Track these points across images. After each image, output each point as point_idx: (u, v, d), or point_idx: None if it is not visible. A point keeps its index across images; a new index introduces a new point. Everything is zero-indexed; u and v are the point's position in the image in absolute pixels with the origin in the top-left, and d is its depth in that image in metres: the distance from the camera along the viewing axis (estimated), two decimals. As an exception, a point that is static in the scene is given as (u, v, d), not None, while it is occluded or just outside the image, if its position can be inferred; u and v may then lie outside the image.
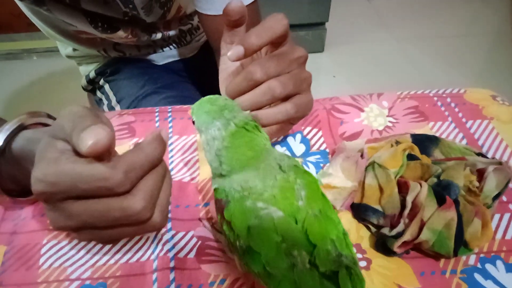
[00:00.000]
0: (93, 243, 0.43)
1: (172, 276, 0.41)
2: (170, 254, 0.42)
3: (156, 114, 0.57)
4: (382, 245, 0.42)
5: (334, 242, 0.32)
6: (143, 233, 0.36)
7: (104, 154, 0.31)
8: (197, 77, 0.93)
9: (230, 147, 0.35)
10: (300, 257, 0.31)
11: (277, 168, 0.35)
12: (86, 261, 0.42)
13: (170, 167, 0.51)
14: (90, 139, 0.29)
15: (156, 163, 0.33)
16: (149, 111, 0.58)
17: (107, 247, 0.43)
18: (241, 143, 0.35)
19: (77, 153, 0.31)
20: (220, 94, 0.61)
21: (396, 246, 0.40)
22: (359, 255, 0.42)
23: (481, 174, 0.45)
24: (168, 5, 0.77)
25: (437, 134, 0.54)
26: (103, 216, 0.31)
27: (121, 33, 0.75)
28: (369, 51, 2.05)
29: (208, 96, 0.39)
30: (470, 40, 2.12)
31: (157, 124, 0.56)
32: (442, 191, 0.41)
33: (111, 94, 0.88)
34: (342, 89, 1.82)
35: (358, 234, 0.44)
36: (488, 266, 0.42)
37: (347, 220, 0.45)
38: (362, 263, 0.42)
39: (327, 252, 0.31)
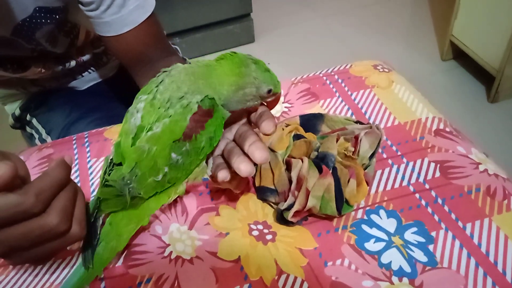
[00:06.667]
0: (28, 272, 0.47)
1: (103, 285, 0.45)
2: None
3: (74, 142, 0.61)
4: (281, 218, 0.48)
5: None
6: (68, 244, 0.41)
7: (16, 185, 0.36)
8: (122, 94, 0.96)
9: None
10: None
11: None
12: (24, 290, 0.46)
13: (91, 188, 0.55)
14: None
15: (64, 184, 0.40)
16: (66, 140, 0.62)
17: (42, 272, 0.47)
18: None
19: None
20: None
21: (290, 216, 0.46)
22: (266, 231, 0.49)
23: (358, 139, 0.51)
24: (73, 32, 0.79)
25: (327, 110, 0.61)
26: (26, 236, 0.37)
27: (33, 69, 0.78)
28: (297, 32, 2.12)
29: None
30: (391, 4, 2.23)
31: (75, 151, 0.60)
32: (320, 162, 0.47)
33: (40, 127, 0.90)
34: (279, 75, 1.88)
35: (264, 212, 0.50)
36: (373, 216, 0.49)
37: (253, 201, 0.51)
38: (269, 237, 0.48)
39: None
